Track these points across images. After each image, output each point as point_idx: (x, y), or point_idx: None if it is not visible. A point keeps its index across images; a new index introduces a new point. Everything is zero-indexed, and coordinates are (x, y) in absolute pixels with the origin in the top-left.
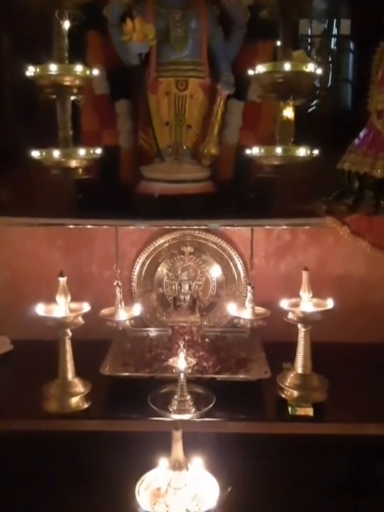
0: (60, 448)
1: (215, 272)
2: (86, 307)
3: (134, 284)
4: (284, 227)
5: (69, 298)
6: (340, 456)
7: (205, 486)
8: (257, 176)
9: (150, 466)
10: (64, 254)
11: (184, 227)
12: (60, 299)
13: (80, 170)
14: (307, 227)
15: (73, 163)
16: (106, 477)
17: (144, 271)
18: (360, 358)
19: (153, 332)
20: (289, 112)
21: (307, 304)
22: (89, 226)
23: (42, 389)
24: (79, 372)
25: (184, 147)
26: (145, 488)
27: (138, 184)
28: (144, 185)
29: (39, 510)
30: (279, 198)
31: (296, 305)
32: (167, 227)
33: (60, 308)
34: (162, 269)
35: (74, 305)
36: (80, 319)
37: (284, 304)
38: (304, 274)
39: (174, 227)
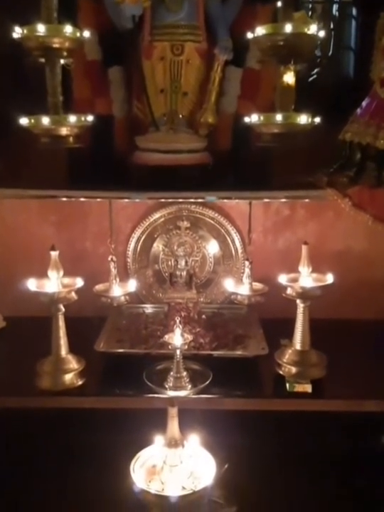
0: (54, 425)
1: (212, 247)
2: (79, 282)
3: (129, 260)
4: (283, 200)
5: (61, 273)
6: (338, 432)
7: (202, 463)
8: (255, 145)
9: (145, 443)
10: (57, 230)
11: (180, 200)
12: (52, 273)
13: (71, 138)
14: (307, 201)
15: (63, 131)
16: (100, 454)
17: (139, 246)
18: (359, 335)
19: (148, 309)
20: (289, 78)
21: (306, 279)
22: (82, 199)
23: (35, 366)
24: (73, 349)
25: (180, 116)
26: (140, 466)
27: (132, 155)
28: (139, 156)
29: (33, 487)
30: (278, 170)
31: (295, 280)
32: (163, 200)
33: (52, 283)
34: (158, 245)
35: (67, 280)
36: (73, 295)
37: (283, 279)
38: (304, 249)
39: (170, 200)
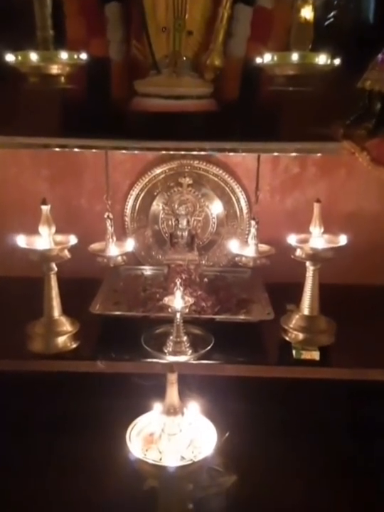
0: (46, 390)
1: (216, 207)
2: (72, 240)
3: (127, 219)
4: (294, 154)
5: (53, 229)
6: (344, 401)
7: (202, 431)
8: (266, 93)
9: (142, 410)
10: (50, 185)
11: (182, 152)
12: (43, 229)
13: (63, 78)
14: (319, 155)
15: (54, 70)
16: (95, 421)
17: (137, 205)
18: (369, 301)
19: (148, 271)
20: (307, 12)
21: (317, 240)
22: (76, 149)
23: (26, 328)
24: (67, 311)
25: (184, 58)
26: (137, 434)
27: (131, 101)
28: (138, 102)
29: (23, 455)
30: (290, 121)
31: (305, 241)
32: (164, 152)
33: (44, 240)
34: (158, 203)
35: (60, 237)
36: (66, 253)
37: (292, 240)
38: (316, 207)
39: (171, 152)
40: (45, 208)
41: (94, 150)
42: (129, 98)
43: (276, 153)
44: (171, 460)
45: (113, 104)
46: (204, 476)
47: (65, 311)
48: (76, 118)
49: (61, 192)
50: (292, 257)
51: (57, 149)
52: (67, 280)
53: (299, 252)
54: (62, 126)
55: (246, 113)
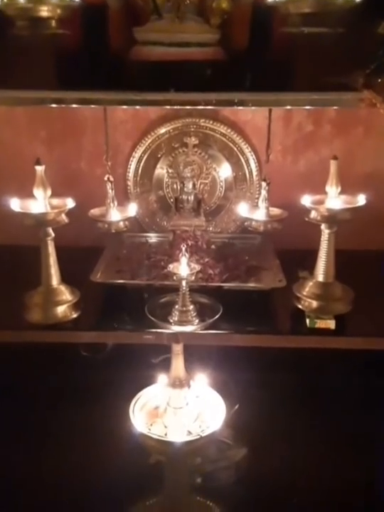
0: (46, 363)
1: (224, 169)
2: (70, 203)
3: (129, 184)
4: (308, 107)
5: (49, 192)
6: (359, 372)
7: (210, 405)
8: (279, 34)
9: (147, 382)
10: (48, 148)
11: (187, 107)
12: (38, 192)
13: (54, 22)
14: (335, 108)
15: (44, 11)
16: (97, 394)
17: (140, 168)
18: None
19: (152, 238)
20: None
21: (334, 200)
22: (74, 105)
23: (24, 298)
24: (67, 281)
25: (187, 1)
26: (141, 408)
27: (130, 50)
28: (138, 51)
29: (23, 430)
30: (305, 69)
31: (321, 203)
32: (168, 107)
33: (39, 203)
34: (162, 166)
35: (56, 201)
36: (64, 217)
37: (306, 200)
38: (333, 164)
39: (176, 107)
40: (40, 169)
41: (92, 105)
42: (128, 47)
43: (289, 107)
44: (177, 435)
45: (111, 54)
46: (212, 449)
47: (65, 280)
48: (71, 69)
49: (59, 155)
50: (306, 219)
51: (53, 105)
52: (67, 248)
53: (313, 214)
54: (57, 78)
55: (256, 62)
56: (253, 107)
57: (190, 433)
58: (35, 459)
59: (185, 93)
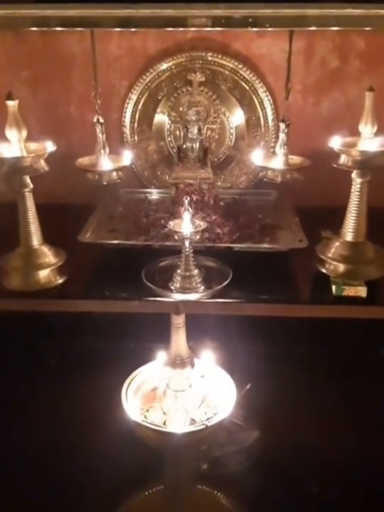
0: (30, 335)
1: (234, 113)
2: (49, 146)
3: (125, 131)
4: (335, 28)
5: (24, 133)
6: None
7: (217, 386)
8: None
9: (143, 358)
10: (31, 90)
11: (191, 27)
12: (12, 133)
13: None
14: (368, 29)
15: None
16: (86, 371)
17: (138, 112)
18: None
19: (152, 194)
20: None
21: (369, 141)
22: (58, 29)
23: (0, 262)
24: (52, 241)
25: None
26: (135, 391)
27: None
28: None
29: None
30: None
31: (353, 145)
32: (168, 30)
33: (13, 147)
34: (163, 110)
35: (34, 145)
36: (43, 163)
37: (335, 143)
38: (368, 97)
39: (180, 29)
40: (12, 104)
41: (79, 29)
42: None
43: (313, 28)
44: (178, 424)
45: None
46: (222, 432)
47: (49, 240)
48: None
49: (45, 98)
50: (335, 165)
51: (33, 29)
52: (56, 207)
53: (343, 159)
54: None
55: None
56: (270, 28)
57: (193, 421)
58: (14, 446)
59: (184, 3)
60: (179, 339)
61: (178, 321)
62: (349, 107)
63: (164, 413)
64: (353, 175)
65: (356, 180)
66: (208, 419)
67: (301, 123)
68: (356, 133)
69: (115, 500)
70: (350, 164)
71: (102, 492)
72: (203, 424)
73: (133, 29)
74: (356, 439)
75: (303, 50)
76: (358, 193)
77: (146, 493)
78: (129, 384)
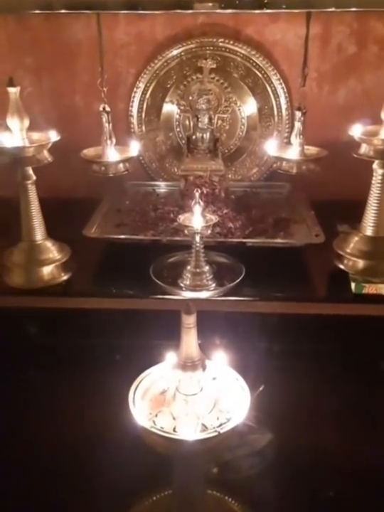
0: (32, 333)
1: (247, 102)
2: (53, 136)
3: (133, 121)
4: (354, 9)
5: (27, 122)
6: None
7: (230, 390)
8: None
9: (152, 358)
10: (36, 78)
11: (200, 9)
12: (13, 122)
13: None
14: None
15: None
16: (91, 373)
17: (146, 101)
18: None
19: (160, 187)
20: None
21: None
22: (63, 11)
23: (2, 257)
24: (56, 236)
25: None
26: (143, 394)
27: None
28: None
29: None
30: None
31: (374, 134)
32: (176, 12)
33: (15, 136)
34: (172, 99)
35: (37, 135)
36: (46, 154)
37: (356, 131)
38: None
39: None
40: (14, 91)
41: (85, 11)
42: None
43: (332, 9)
44: (188, 430)
45: None
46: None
47: (53, 235)
48: None
49: (50, 86)
50: (355, 155)
51: (37, 12)
52: (61, 200)
53: (364, 149)
54: None
55: None
56: (286, 10)
57: (205, 427)
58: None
59: None
60: (190, 340)
61: (189, 321)
62: (367, 95)
63: (174, 418)
64: (375, 165)
65: (378, 171)
66: (220, 425)
67: (317, 112)
68: (376, 122)
69: (122, 506)
70: (371, 154)
71: (108, 497)
72: (216, 431)
73: (140, 11)
74: (378, 441)
75: (318, 36)
76: (379, 185)
77: (155, 497)
78: (136, 388)
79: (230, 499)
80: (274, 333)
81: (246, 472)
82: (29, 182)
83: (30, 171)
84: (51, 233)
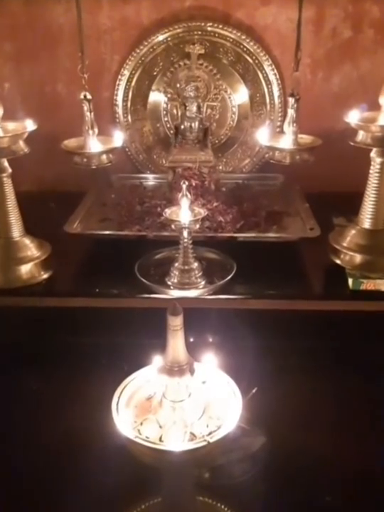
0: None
1: (237, 90)
2: (29, 125)
3: (118, 111)
4: None
5: (1, 111)
6: None
7: (221, 394)
8: None
9: (138, 361)
10: (15, 65)
11: None
12: None
13: None
14: None
15: None
16: (72, 376)
17: (131, 89)
18: None
19: (148, 180)
20: None
21: None
22: None
23: None
24: (36, 232)
25: None
26: (127, 401)
27: None
28: None
29: None
30: None
31: (372, 120)
32: None
33: None
34: (158, 87)
35: (13, 125)
36: (22, 145)
37: (353, 118)
38: None
39: None
40: None
41: None
42: None
43: None
44: (176, 440)
45: None
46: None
47: (32, 231)
48: None
49: (30, 74)
50: (352, 143)
51: None
52: (44, 194)
53: (361, 136)
54: None
55: None
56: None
57: (193, 436)
58: None
59: None
60: (177, 343)
61: (176, 322)
62: (363, 81)
63: (160, 427)
64: (372, 154)
65: (376, 160)
66: (210, 433)
67: (310, 100)
68: (373, 109)
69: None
70: (369, 141)
71: (94, 506)
72: (205, 441)
73: None
74: (374, 444)
75: (312, 20)
76: (377, 175)
77: (143, 505)
78: (120, 394)
79: (221, 505)
80: (267, 331)
81: (238, 477)
82: (4, 175)
83: (6, 163)
84: (32, 229)
